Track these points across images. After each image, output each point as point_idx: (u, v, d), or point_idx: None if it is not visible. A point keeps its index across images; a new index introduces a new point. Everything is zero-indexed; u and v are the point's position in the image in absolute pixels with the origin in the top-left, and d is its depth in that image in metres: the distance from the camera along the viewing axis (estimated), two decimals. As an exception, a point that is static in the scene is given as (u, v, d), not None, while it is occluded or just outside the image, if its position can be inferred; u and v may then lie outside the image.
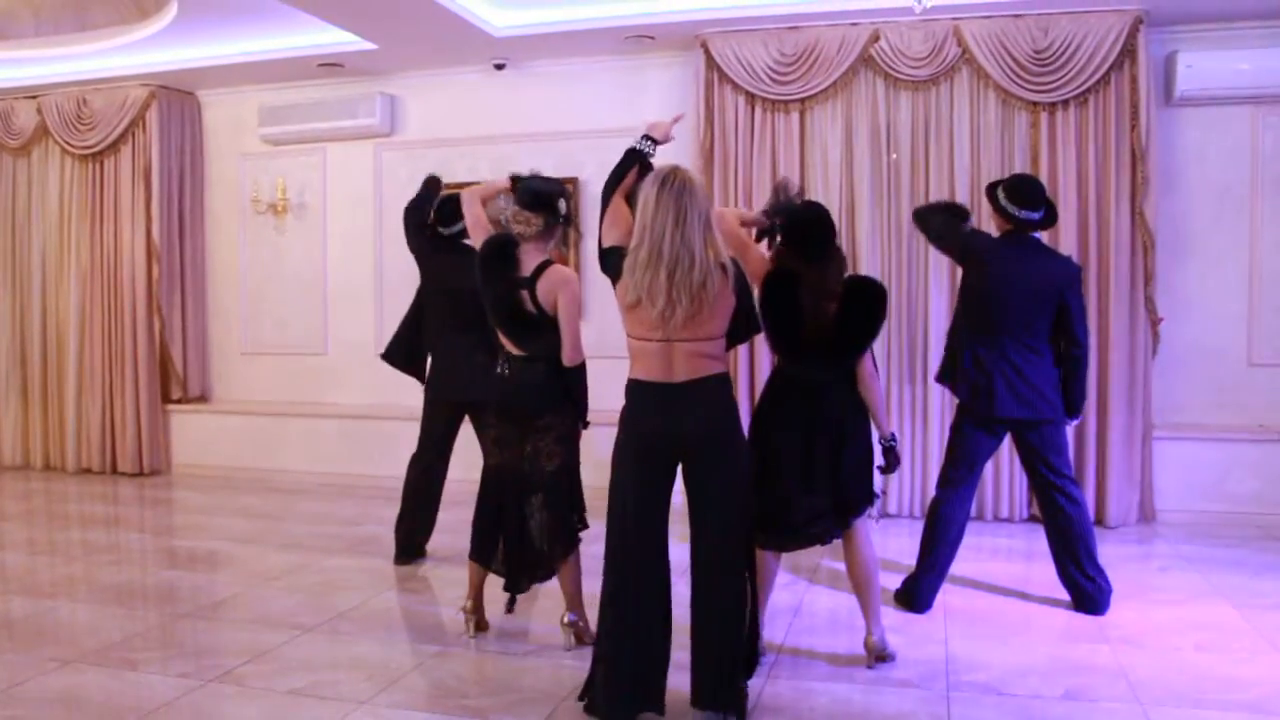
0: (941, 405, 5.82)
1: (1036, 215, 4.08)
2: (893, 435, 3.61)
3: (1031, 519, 5.73)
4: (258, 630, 3.99)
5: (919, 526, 4.41)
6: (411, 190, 5.15)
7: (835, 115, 6.06)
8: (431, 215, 4.88)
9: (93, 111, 7.54)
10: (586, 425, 3.78)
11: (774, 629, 3.91)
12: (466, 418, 4.92)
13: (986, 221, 4.57)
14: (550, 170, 4.23)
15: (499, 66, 6.88)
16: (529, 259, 3.65)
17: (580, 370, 3.69)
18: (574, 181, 6.56)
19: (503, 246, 3.68)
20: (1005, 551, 5.35)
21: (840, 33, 5.98)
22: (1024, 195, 4.07)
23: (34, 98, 7.73)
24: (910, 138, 5.98)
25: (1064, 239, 5.61)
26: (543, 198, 3.65)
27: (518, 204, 3.66)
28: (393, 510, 5.09)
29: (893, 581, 4.26)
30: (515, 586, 3.83)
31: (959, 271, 4.50)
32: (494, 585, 3.97)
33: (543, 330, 3.63)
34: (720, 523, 3.04)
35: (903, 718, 3.17)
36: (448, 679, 3.53)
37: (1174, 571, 4.84)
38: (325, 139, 7.37)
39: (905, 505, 6.04)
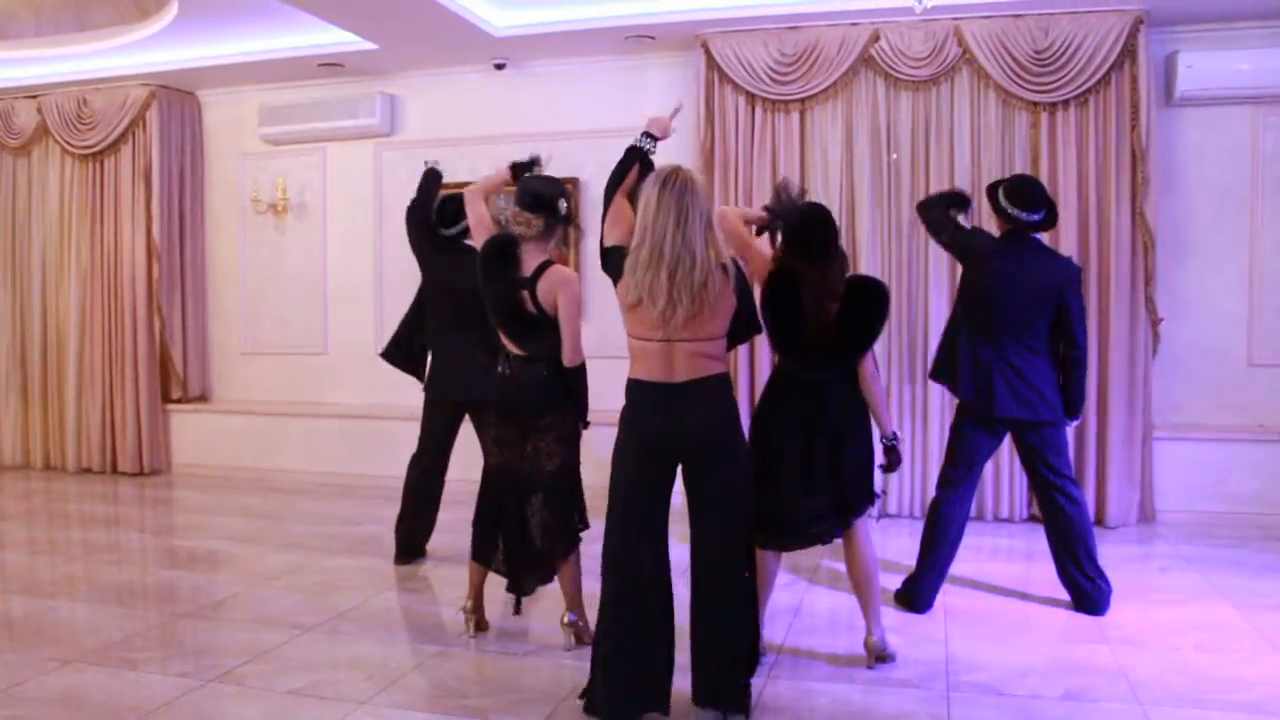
0: (941, 405, 5.82)
1: (1036, 217, 4.08)
2: (894, 434, 3.60)
3: (1031, 519, 5.73)
4: (258, 630, 3.99)
5: (919, 526, 4.41)
6: (411, 190, 5.15)
7: (835, 115, 6.06)
8: (434, 215, 4.88)
9: (93, 111, 7.54)
10: (587, 425, 3.78)
11: (774, 629, 3.91)
12: (466, 417, 4.92)
13: (987, 220, 4.57)
14: (550, 170, 4.22)
15: (499, 66, 6.88)
16: (530, 259, 3.65)
17: (581, 370, 3.69)
18: (574, 181, 6.57)
19: (504, 247, 3.68)
20: (1005, 552, 5.35)
21: (840, 33, 5.98)
22: (1024, 197, 4.07)
23: (34, 97, 7.73)
24: (910, 138, 5.98)
25: (1064, 239, 5.61)
26: (543, 199, 3.65)
27: (517, 205, 3.66)
28: (393, 510, 5.09)
29: (893, 582, 4.26)
30: (520, 589, 3.83)
31: (959, 270, 4.50)
32: (494, 585, 3.97)
33: (543, 330, 3.63)
34: (720, 523, 3.05)
35: (903, 718, 3.17)
36: (448, 679, 3.53)
37: (1174, 572, 4.84)
38: (325, 139, 7.37)
39: (905, 505, 6.04)
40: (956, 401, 4.28)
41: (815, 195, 5.68)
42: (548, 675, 3.52)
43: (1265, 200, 5.91)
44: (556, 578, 3.78)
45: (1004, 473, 5.81)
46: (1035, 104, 5.78)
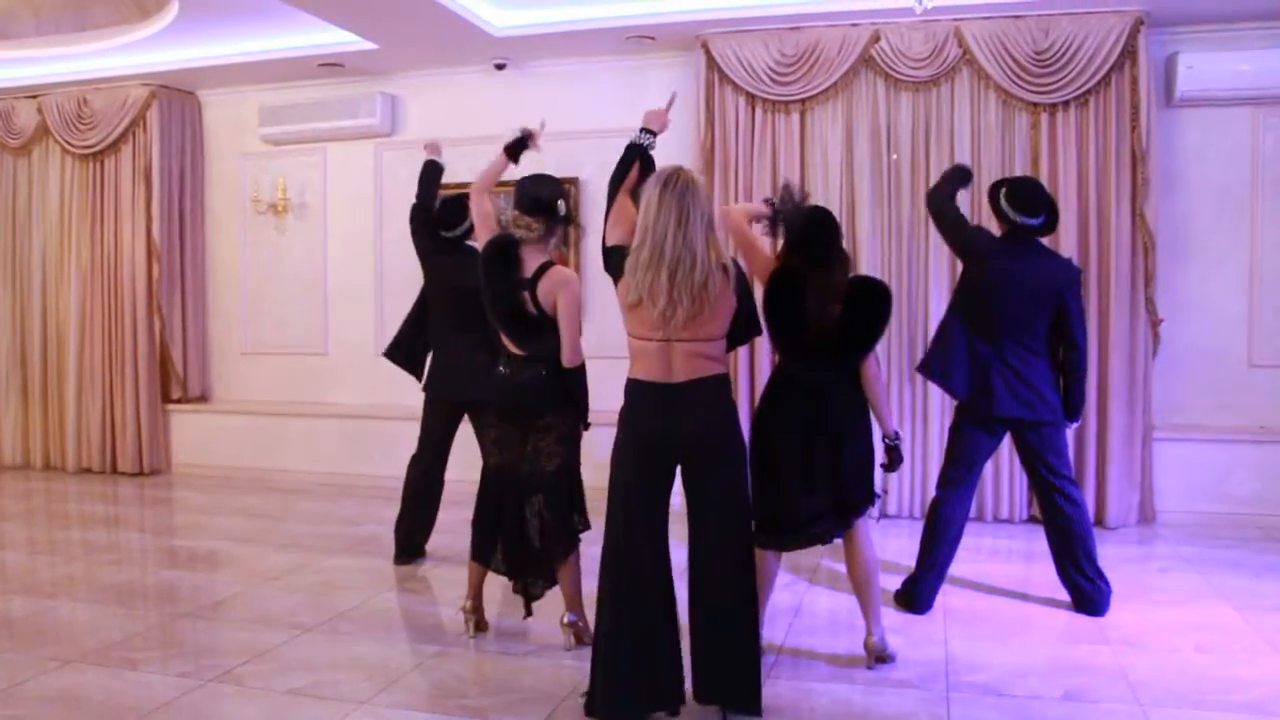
0: (941, 405, 5.82)
1: (1036, 221, 4.07)
2: (896, 433, 3.60)
3: (1031, 520, 5.73)
4: (257, 630, 3.99)
5: (919, 527, 4.40)
6: (411, 190, 5.15)
7: (836, 116, 6.06)
8: (436, 216, 4.88)
9: (93, 111, 7.54)
10: (587, 426, 3.78)
11: (774, 629, 3.91)
12: (466, 418, 4.92)
13: (988, 219, 4.57)
14: (550, 170, 4.22)
15: (499, 66, 6.88)
16: (531, 260, 3.65)
17: (580, 371, 3.69)
18: (574, 181, 6.58)
19: (505, 248, 3.69)
20: (1005, 552, 5.35)
21: (841, 33, 5.98)
22: (1024, 200, 4.06)
23: (34, 97, 7.73)
24: (911, 138, 5.98)
25: (1064, 240, 5.61)
26: (541, 202, 3.66)
27: (516, 209, 3.67)
28: (393, 510, 5.09)
29: (893, 582, 4.26)
30: (529, 593, 3.83)
31: (959, 270, 4.50)
32: (493, 586, 3.97)
33: (543, 331, 3.63)
34: (719, 524, 3.05)
35: (903, 718, 3.16)
36: (447, 679, 3.53)
37: (1174, 572, 4.83)
38: (326, 139, 7.37)
39: (905, 506, 6.03)
40: (956, 401, 4.28)
41: (815, 196, 5.68)
42: (547, 675, 3.51)
43: (1265, 201, 5.91)
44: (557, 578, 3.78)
45: (1004, 473, 5.81)
46: (1035, 105, 5.78)
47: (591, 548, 3.47)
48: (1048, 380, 4.09)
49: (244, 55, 6.95)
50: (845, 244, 3.83)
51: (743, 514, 3.14)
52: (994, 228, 4.31)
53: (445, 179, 5.16)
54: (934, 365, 4.20)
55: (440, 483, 4.99)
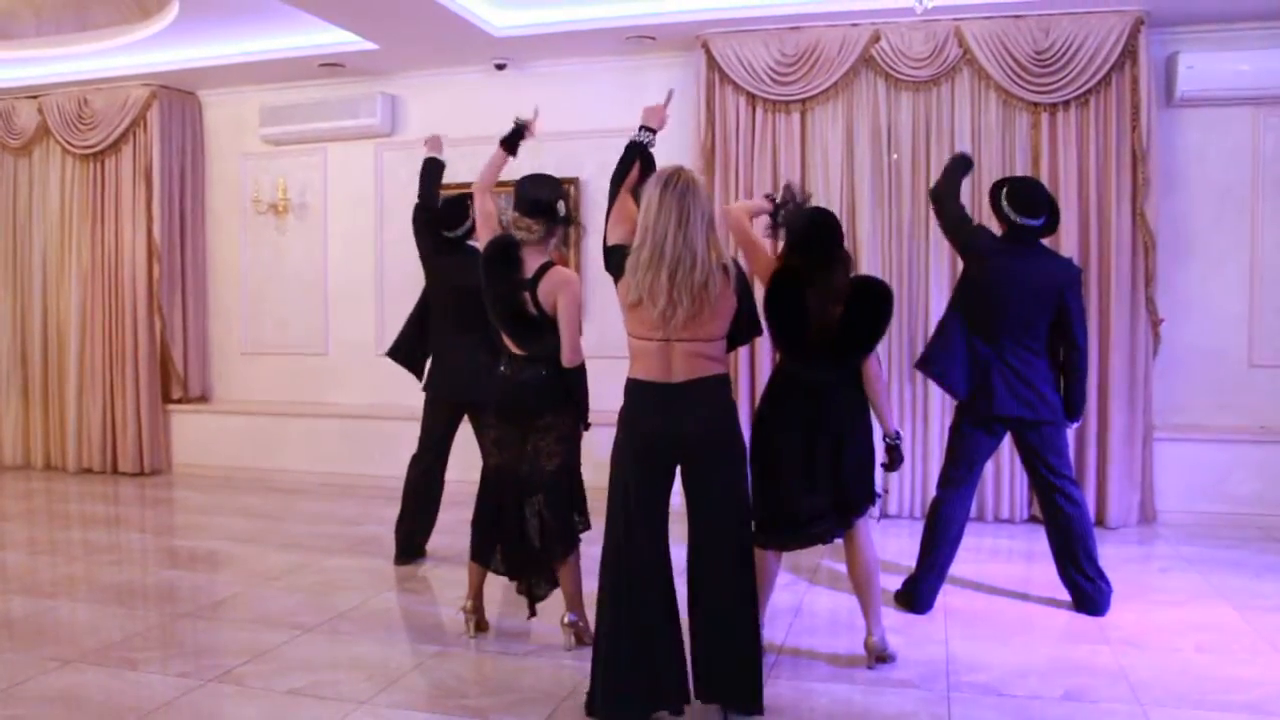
0: (942, 405, 5.81)
1: (1036, 223, 4.07)
2: (897, 433, 3.60)
3: (1032, 519, 5.73)
4: (258, 630, 3.99)
5: (919, 527, 4.40)
6: (412, 190, 5.15)
7: (836, 116, 6.06)
8: (437, 216, 4.88)
9: (94, 111, 7.54)
10: (588, 427, 3.78)
11: (774, 629, 3.91)
12: (466, 418, 4.92)
13: (988, 219, 4.56)
14: (551, 170, 4.22)
15: (500, 67, 6.88)
16: (531, 261, 3.66)
17: (580, 371, 3.69)
18: (575, 181, 6.58)
19: (506, 248, 3.69)
20: (1006, 552, 5.35)
21: (841, 33, 5.98)
22: (1025, 201, 4.06)
23: (35, 97, 7.73)
24: (911, 138, 5.98)
25: (1065, 240, 5.61)
26: (541, 204, 3.66)
27: (516, 211, 3.67)
28: (393, 510, 5.09)
29: (893, 582, 4.26)
30: (533, 594, 3.84)
31: (960, 269, 4.50)
32: (493, 586, 3.97)
33: (544, 331, 3.64)
34: (719, 523, 3.05)
35: (903, 718, 3.16)
36: (448, 679, 3.53)
37: (1174, 572, 4.83)
38: (326, 139, 7.37)
39: (905, 506, 6.03)
40: (956, 401, 4.28)
41: (816, 196, 5.67)
42: (548, 675, 3.52)
43: (1266, 201, 5.90)
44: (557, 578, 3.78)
45: (1004, 473, 5.81)
46: (1036, 104, 5.78)
47: (592, 547, 3.47)
48: (1048, 380, 4.08)
49: (244, 55, 6.95)
50: (846, 244, 3.83)
51: (742, 514, 3.14)
52: (995, 227, 4.30)
53: (446, 179, 5.14)
54: (933, 363, 4.19)
55: (440, 483, 4.99)
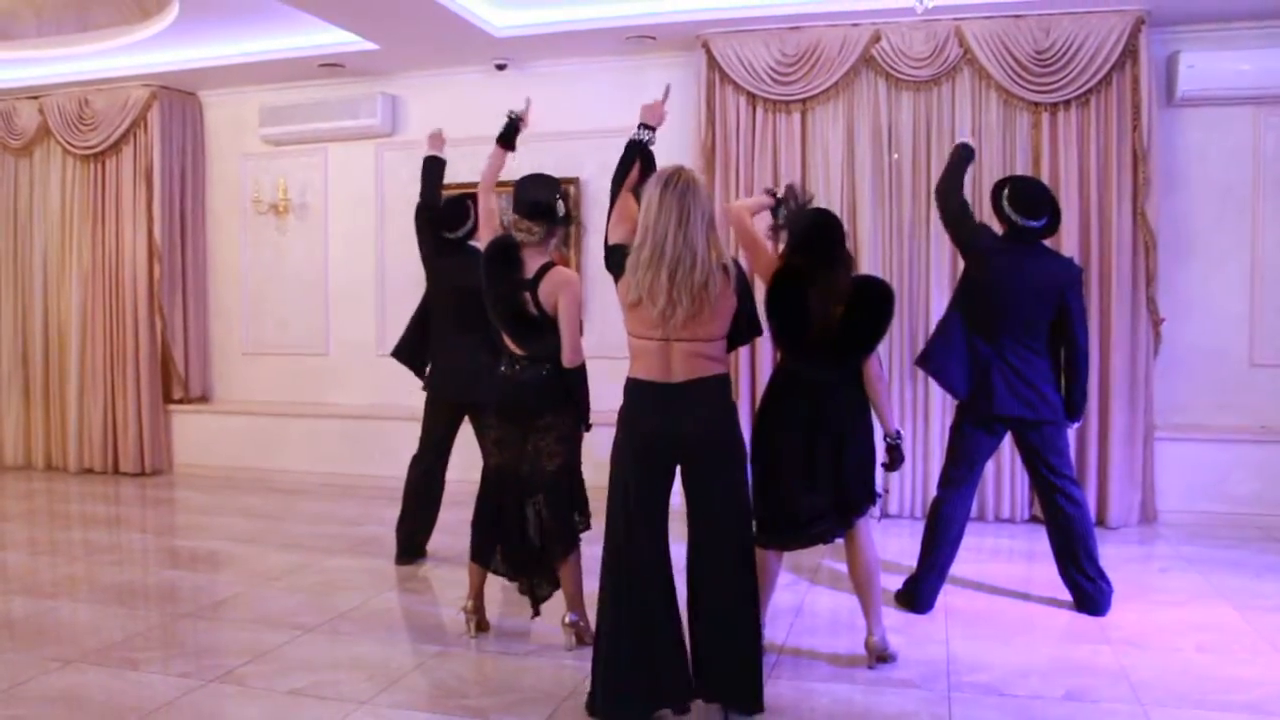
0: (943, 405, 5.81)
1: (1037, 224, 4.06)
2: (897, 432, 3.60)
3: (1033, 519, 5.73)
4: (258, 630, 3.99)
5: (920, 527, 4.40)
6: (413, 189, 5.14)
7: (837, 116, 6.06)
8: (439, 216, 4.88)
9: (94, 112, 7.54)
10: (589, 428, 3.78)
11: (775, 629, 3.91)
12: (467, 418, 4.92)
13: (989, 218, 4.56)
14: (551, 170, 4.23)
15: (500, 67, 6.88)
16: (532, 261, 3.67)
17: (581, 372, 3.70)
18: (575, 181, 6.58)
19: (506, 249, 3.70)
20: (1006, 552, 5.35)
21: (841, 33, 5.98)
22: (1026, 202, 4.05)
23: (36, 98, 7.73)
24: (912, 138, 5.98)
25: (1066, 239, 5.60)
26: (540, 206, 3.67)
27: (516, 213, 3.68)
28: (394, 510, 5.09)
29: (894, 582, 4.26)
30: (536, 595, 3.84)
31: (960, 269, 4.50)
32: (494, 586, 3.97)
33: (544, 331, 3.64)
34: (719, 523, 3.05)
35: (904, 718, 3.16)
36: (448, 679, 3.53)
37: (1175, 572, 4.83)
38: (326, 139, 7.37)
39: (906, 505, 6.03)
40: (957, 401, 4.28)
41: (817, 195, 5.68)
42: (548, 675, 3.52)
43: (1266, 201, 5.90)
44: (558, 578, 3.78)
45: (1005, 473, 5.81)
46: (1036, 104, 5.78)
47: (592, 547, 3.47)
48: (1048, 379, 4.08)
49: (244, 56, 6.95)
50: (848, 244, 3.83)
51: (742, 514, 3.14)
52: (996, 226, 4.30)
53: (446, 179, 5.13)
54: (931, 359, 4.19)
55: (441, 483, 4.99)
